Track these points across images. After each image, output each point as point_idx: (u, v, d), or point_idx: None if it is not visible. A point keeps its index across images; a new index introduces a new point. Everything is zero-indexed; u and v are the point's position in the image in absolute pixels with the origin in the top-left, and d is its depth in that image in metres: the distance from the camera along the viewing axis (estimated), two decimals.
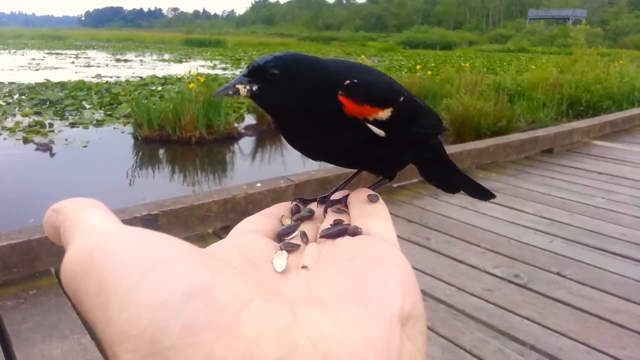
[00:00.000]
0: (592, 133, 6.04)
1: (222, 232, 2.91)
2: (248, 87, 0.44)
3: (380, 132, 0.48)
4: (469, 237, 3.05)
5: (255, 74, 0.44)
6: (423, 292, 2.11)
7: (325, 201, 0.47)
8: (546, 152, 5.25)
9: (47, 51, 29.56)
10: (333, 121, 0.46)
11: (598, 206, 3.67)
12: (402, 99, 0.50)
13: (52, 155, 6.12)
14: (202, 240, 2.81)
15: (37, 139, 6.75)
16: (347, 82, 0.46)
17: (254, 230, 0.39)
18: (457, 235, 3.06)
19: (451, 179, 0.66)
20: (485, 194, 0.67)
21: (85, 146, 6.59)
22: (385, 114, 0.47)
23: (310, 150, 0.50)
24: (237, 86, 0.44)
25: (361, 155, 0.50)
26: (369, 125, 0.47)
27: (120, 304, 0.22)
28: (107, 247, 0.24)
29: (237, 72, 16.81)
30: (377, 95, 0.47)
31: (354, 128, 0.47)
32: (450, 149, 4.39)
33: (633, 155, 5.30)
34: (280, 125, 0.48)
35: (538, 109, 8.08)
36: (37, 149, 6.18)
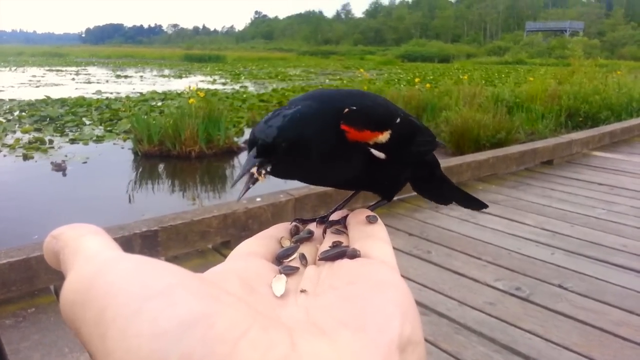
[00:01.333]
0: (592, 144, 6.05)
1: (222, 248, 2.90)
2: (262, 170, 0.42)
3: (380, 155, 0.48)
4: (470, 250, 3.04)
5: (265, 152, 0.42)
6: (425, 306, 2.09)
7: (324, 221, 0.47)
8: (546, 164, 5.25)
9: (48, 68, 29.72)
10: (336, 150, 0.46)
11: (599, 217, 3.66)
12: (398, 120, 0.51)
13: (64, 174, 6.10)
14: (202, 256, 2.80)
15: (38, 155, 6.78)
16: (347, 110, 0.46)
17: (252, 253, 0.39)
18: (458, 248, 3.05)
19: (444, 192, 0.67)
20: (477, 204, 0.68)
21: (85, 162, 6.60)
22: (384, 136, 0.48)
23: (313, 180, 0.50)
24: (252, 172, 0.42)
25: (363, 178, 0.50)
26: (370, 149, 0.47)
27: (119, 334, 0.22)
28: (106, 276, 0.24)
29: (237, 86, 16.89)
30: (376, 120, 0.48)
31: (357, 153, 0.47)
32: (450, 162, 4.40)
33: (632, 166, 5.30)
34: (302, 180, 0.48)
35: (537, 121, 8.11)
36: (52, 169, 6.18)
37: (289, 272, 0.36)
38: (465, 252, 3.01)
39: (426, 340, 2.09)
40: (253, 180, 0.42)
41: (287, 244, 0.42)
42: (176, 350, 0.21)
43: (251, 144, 0.43)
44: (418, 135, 0.55)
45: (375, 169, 0.49)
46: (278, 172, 0.44)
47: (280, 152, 0.42)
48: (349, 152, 0.46)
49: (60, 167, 6.18)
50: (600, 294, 2.53)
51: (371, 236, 0.40)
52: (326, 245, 0.41)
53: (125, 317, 0.22)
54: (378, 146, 0.48)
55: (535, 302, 2.45)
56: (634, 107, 9.08)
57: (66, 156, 6.76)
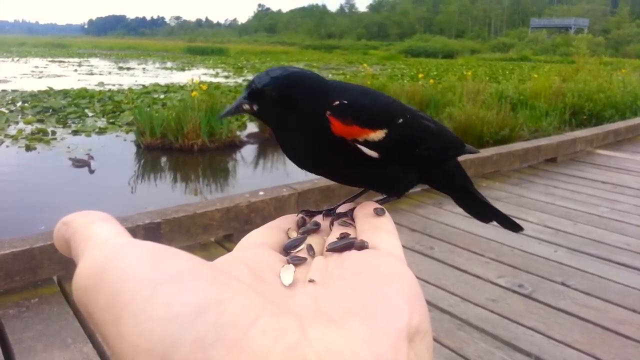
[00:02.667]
0: (596, 142, 6.04)
1: (224, 241, 2.90)
2: (247, 106, 0.46)
3: (372, 153, 0.48)
4: (472, 246, 3.04)
5: (254, 96, 0.46)
6: (427, 302, 2.10)
7: (331, 214, 0.47)
8: (549, 161, 5.25)
9: (50, 59, 29.71)
10: (325, 140, 0.46)
11: (602, 215, 3.66)
12: (401, 120, 0.50)
13: (91, 172, 5.72)
14: (204, 249, 2.80)
15: (40, 146, 6.78)
16: (337, 102, 0.46)
17: (260, 244, 0.39)
18: (460, 245, 3.05)
19: (478, 207, 0.66)
20: (514, 226, 0.67)
21: (88, 154, 6.60)
22: (377, 135, 0.48)
23: (307, 166, 0.51)
24: (239, 104, 0.46)
25: (356, 173, 0.50)
26: (359, 145, 0.47)
27: (133, 318, 0.22)
28: (119, 261, 0.25)
29: (240, 80, 16.90)
30: (368, 117, 0.47)
31: (343, 148, 0.47)
32: None
33: (636, 165, 5.29)
34: (280, 139, 0.49)
35: (541, 118, 8.09)
36: (73, 165, 5.80)
37: (297, 262, 0.36)
38: (468, 249, 3.01)
39: None
40: (238, 109, 0.46)
41: (294, 235, 0.42)
42: (189, 334, 0.22)
43: (247, 86, 0.46)
44: (430, 139, 0.54)
45: (368, 167, 0.49)
46: (265, 115, 0.47)
47: (268, 100, 0.45)
48: (334, 144, 0.46)
49: (84, 163, 5.77)
50: (602, 291, 2.53)
51: (378, 228, 0.40)
52: (334, 237, 0.41)
53: (139, 302, 0.23)
54: (369, 144, 0.47)
55: (537, 299, 2.45)
56: (639, 106, 9.06)
57: (69, 147, 6.76)
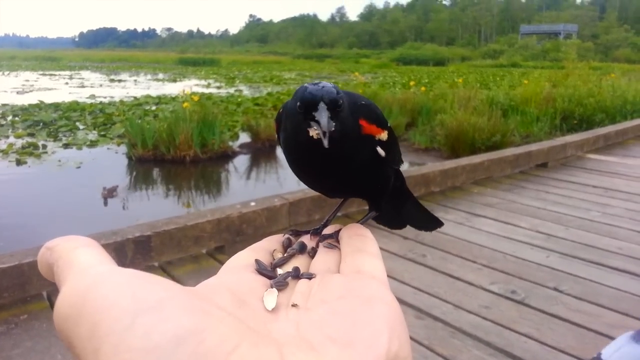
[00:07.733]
0: (586, 147, 6.07)
1: (216, 253, 2.88)
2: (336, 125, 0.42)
3: (382, 152, 0.49)
4: (465, 253, 3.04)
5: (335, 111, 0.42)
6: (420, 310, 2.08)
7: (317, 233, 0.47)
8: (540, 167, 5.27)
9: (41, 72, 29.63)
10: (353, 139, 0.45)
11: (593, 220, 3.67)
12: (389, 124, 0.52)
13: (112, 197, 5.47)
14: (195, 261, 2.78)
15: (31, 160, 6.74)
16: (361, 103, 0.47)
17: (245, 266, 0.39)
18: (453, 252, 3.05)
19: (403, 210, 0.66)
20: (433, 224, 0.67)
21: (79, 167, 6.58)
22: (385, 135, 0.49)
23: (314, 179, 0.51)
24: (331, 126, 0.41)
25: (365, 176, 0.50)
26: (376, 145, 0.48)
27: (112, 349, 0.22)
28: (100, 290, 0.25)
29: (231, 90, 16.90)
30: (380, 117, 0.49)
31: (367, 146, 0.47)
32: (445, 165, 4.40)
33: (627, 168, 5.32)
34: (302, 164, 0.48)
35: (532, 124, 8.14)
36: (102, 194, 5.45)
37: (281, 286, 0.36)
38: (460, 256, 3.00)
39: (421, 344, 2.07)
40: (333, 132, 0.41)
41: (279, 256, 0.42)
42: None
43: (311, 103, 0.41)
44: (395, 138, 0.55)
45: (377, 167, 0.50)
46: (337, 134, 0.42)
47: (341, 108, 0.42)
48: (362, 143, 0.47)
49: (110, 194, 5.50)
50: (595, 296, 2.53)
51: (362, 251, 0.41)
52: (319, 259, 0.42)
53: (118, 332, 0.23)
54: (381, 143, 0.49)
55: (530, 305, 2.44)
56: (628, 110, 9.14)
57: (60, 161, 6.73)
